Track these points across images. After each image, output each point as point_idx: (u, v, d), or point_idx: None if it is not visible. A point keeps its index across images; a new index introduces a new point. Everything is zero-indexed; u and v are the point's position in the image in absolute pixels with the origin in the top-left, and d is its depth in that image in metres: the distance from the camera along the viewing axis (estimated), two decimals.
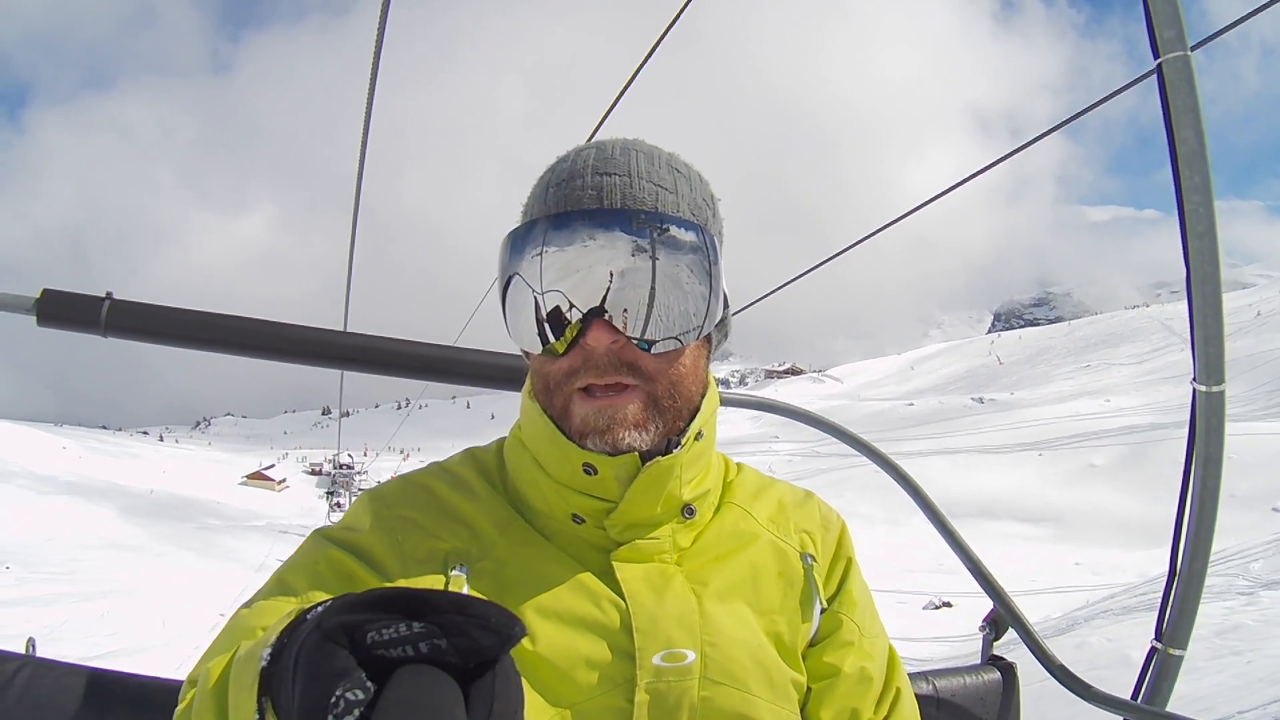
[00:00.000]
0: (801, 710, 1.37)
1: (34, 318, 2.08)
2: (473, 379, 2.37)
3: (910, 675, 1.78)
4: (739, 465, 1.58)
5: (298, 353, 2.26)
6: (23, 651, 1.77)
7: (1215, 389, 1.86)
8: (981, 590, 2.30)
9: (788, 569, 1.43)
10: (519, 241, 1.25)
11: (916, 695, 1.60)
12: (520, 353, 1.39)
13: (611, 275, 1.19)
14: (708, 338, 1.37)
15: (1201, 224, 1.77)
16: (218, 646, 1.14)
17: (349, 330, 2.46)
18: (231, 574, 47.39)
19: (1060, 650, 2.28)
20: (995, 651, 2.30)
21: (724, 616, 1.31)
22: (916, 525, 43.49)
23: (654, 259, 1.20)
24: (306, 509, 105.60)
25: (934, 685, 2.10)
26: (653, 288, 1.21)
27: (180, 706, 1.11)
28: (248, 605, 1.23)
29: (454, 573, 1.27)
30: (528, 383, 1.39)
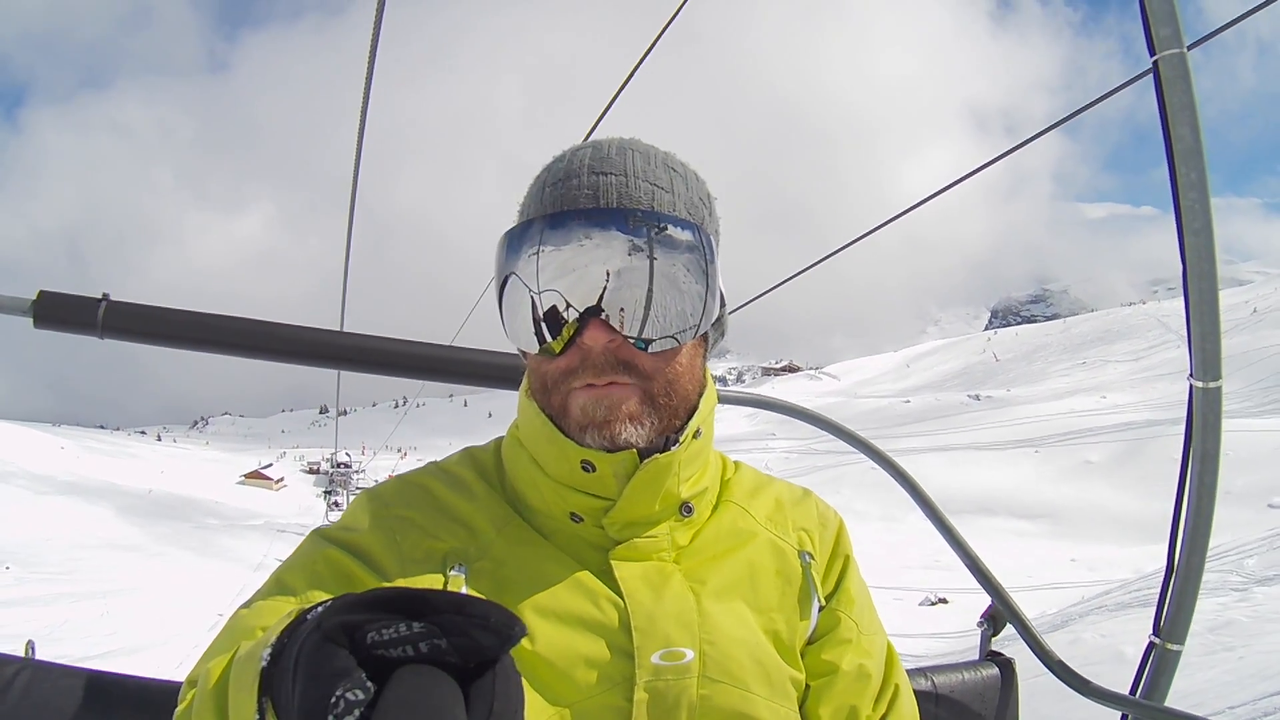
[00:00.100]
0: (800, 708, 1.37)
1: (31, 320, 2.08)
2: (469, 378, 2.37)
3: (908, 671, 1.78)
4: (736, 463, 1.58)
5: (294, 353, 2.27)
6: (22, 654, 1.76)
7: (1212, 385, 1.86)
8: (977, 586, 2.31)
9: (785, 567, 1.43)
10: (515, 241, 1.26)
11: (915, 692, 1.60)
12: (517, 352, 1.39)
13: (608, 274, 1.20)
14: (704, 336, 1.37)
15: (1198, 220, 1.77)
16: (217, 647, 1.14)
17: (345, 330, 2.46)
18: (230, 573, 47.40)
19: (1054, 646, 2.29)
20: (993, 647, 2.30)
21: (722, 615, 1.31)
22: (912, 522, 43.53)
23: (650, 258, 1.21)
24: (304, 508, 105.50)
25: (932, 681, 2.11)
26: (649, 287, 1.21)
27: (180, 707, 1.11)
28: (247, 605, 1.23)
29: (452, 572, 1.27)
30: (525, 382, 1.39)
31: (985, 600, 2.32)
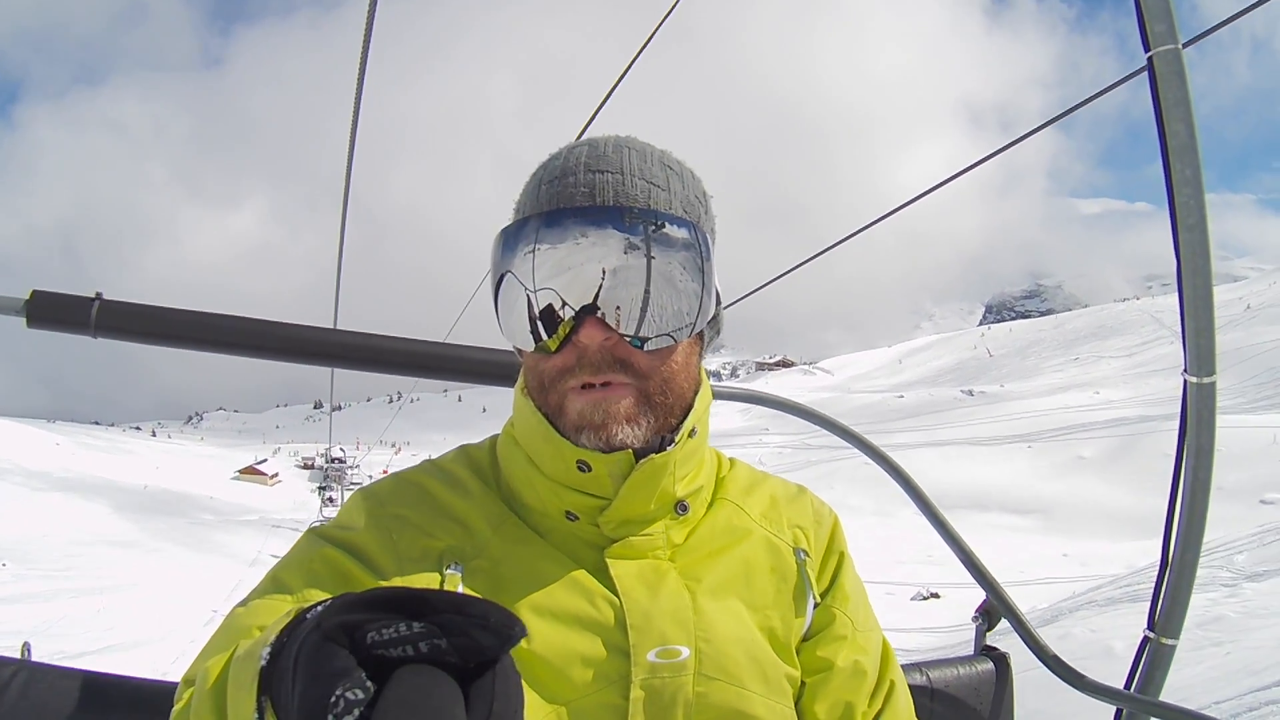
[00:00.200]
0: (796, 705, 1.38)
1: (23, 319, 2.08)
2: (463, 375, 2.37)
3: (904, 667, 1.79)
4: (731, 460, 1.58)
5: (288, 351, 2.27)
6: (18, 656, 1.76)
7: (1206, 380, 1.86)
8: (969, 581, 2.31)
9: (781, 564, 1.43)
10: (511, 239, 1.26)
11: (910, 686, 1.61)
12: (512, 349, 1.39)
13: (604, 273, 1.20)
14: (700, 335, 1.37)
15: (1192, 216, 1.78)
16: (214, 646, 1.15)
17: (339, 327, 2.46)
18: (225, 569, 47.41)
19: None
20: (988, 642, 2.31)
21: (718, 612, 1.31)
22: (906, 517, 43.66)
23: (647, 256, 1.21)
24: (299, 503, 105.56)
25: (928, 676, 2.11)
26: (646, 285, 1.21)
27: (178, 706, 1.12)
28: (243, 604, 1.23)
29: (449, 571, 1.27)
30: (520, 379, 1.39)
31: (977, 595, 2.33)
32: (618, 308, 1.20)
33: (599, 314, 1.20)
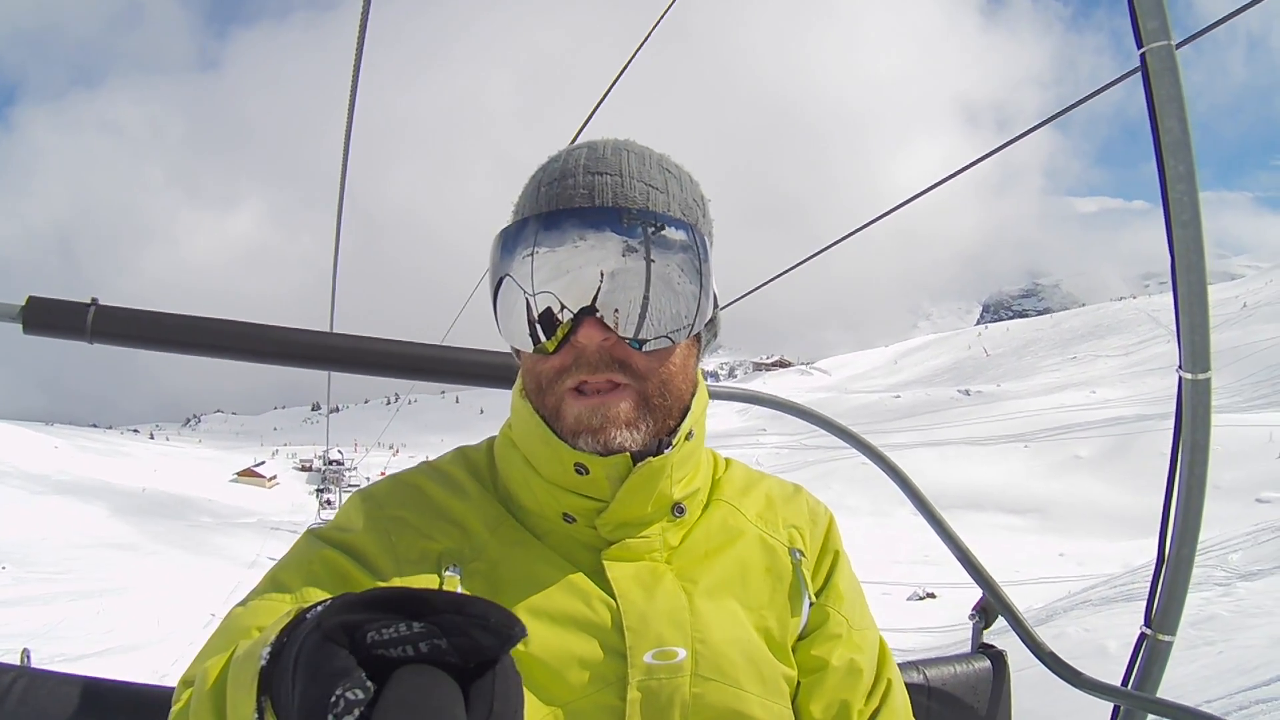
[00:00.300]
0: (792, 704, 1.38)
1: (20, 326, 2.08)
2: (461, 378, 2.37)
3: (900, 664, 1.79)
4: (727, 460, 1.58)
5: (284, 355, 2.27)
6: (18, 662, 1.77)
7: (1201, 376, 1.87)
8: (966, 581, 2.31)
9: (776, 565, 1.44)
10: (510, 241, 1.26)
11: (907, 684, 1.61)
12: (510, 351, 1.40)
13: (602, 275, 1.20)
14: (697, 337, 1.38)
15: (1186, 213, 1.78)
16: (213, 646, 1.15)
17: (335, 331, 2.46)
18: (223, 571, 47.36)
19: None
20: (985, 639, 2.31)
21: (714, 614, 1.32)
22: (902, 517, 43.73)
23: (645, 258, 1.21)
24: (297, 505, 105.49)
25: (924, 674, 2.12)
26: (644, 286, 1.21)
27: (176, 707, 1.12)
28: (242, 604, 1.23)
29: (447, 573, 1.27)
30: (518, 381, 1.39)
31: (973, 595, 2.33)
32: (616, 310, 1.21)
33: (597, 315, 1.21)
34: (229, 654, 1.03)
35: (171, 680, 1.23)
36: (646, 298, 1.22)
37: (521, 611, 1.24)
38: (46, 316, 2.09)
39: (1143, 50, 1.75)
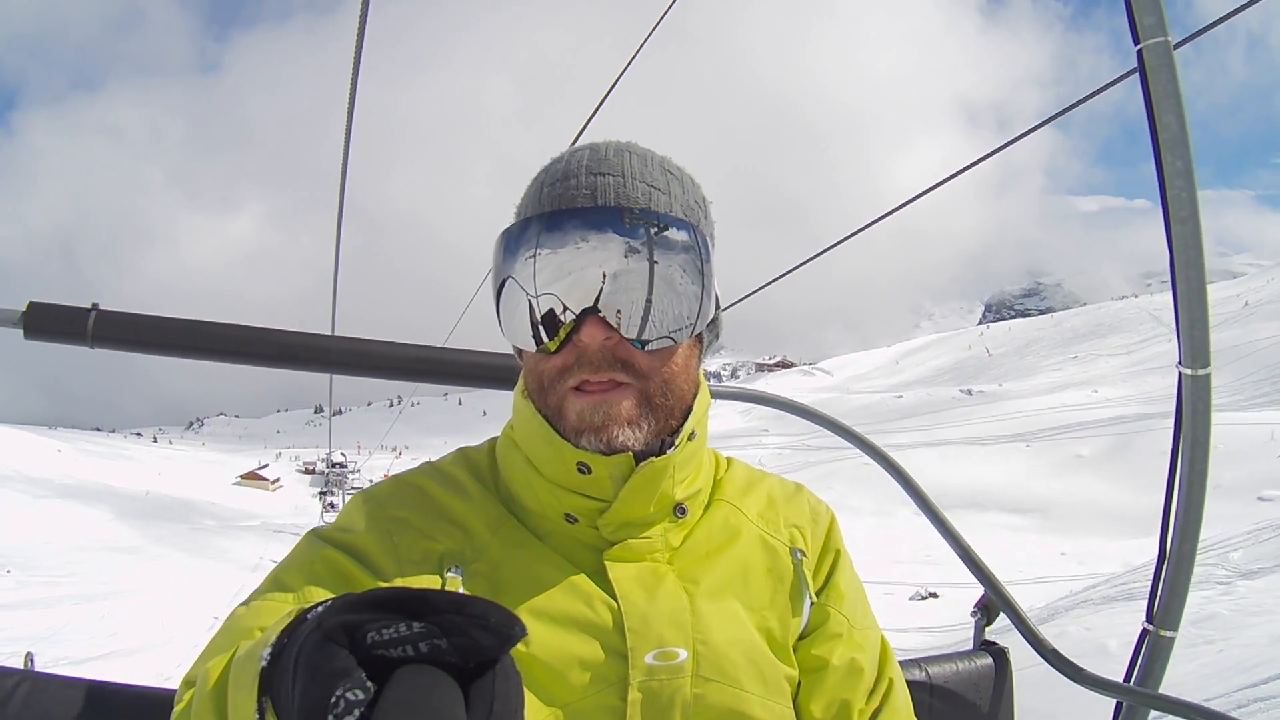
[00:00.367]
0: (793, 704, 1.38)
1: (21, 331, 2.09)
2: (462, 379, 2.38)
3: (902, 662, 1.80)
4: (729, 460, 1.59)
5: (285, 358, 2.28)
6: (21, 666, 1.77)
7: (1201, 372, 1.87)
8: (968, 581, 2.31)
9: (777, 565, 1.44)
10: (513, 242, 1.27)
11: (909, 682, 1.62)
12: (512, 351, 1.41)
13: (604, 276, 1.21)
14: (699, 338, 1.38)
15: (1184, 209, 1.78)
16: (215, 647, 1.15)
17: (336, 334, 2.46)
18: (227, 574, 47.28)
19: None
20: (987, 637, 2.31)
21: (716, 614, 1.32)
22: (905, 517, 43.58)
23: (648, 259, 1.22)
24: (300, 508, 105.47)
25: (927, 672, 2.11)
26: (647, 287, 1.22)
27: (178, 708, 1.12)
28: (245, 605, 1.24)
29: (449, 574, 1.28)
30: (520, 381, 1.40)
31: (975, 595, 2.33)
32: (618, 310, 1.21)
33: (600, 315, 1.21)
34: (230, 654, 1.03)
35: (175, 683, 1.24)
36: (649, 298, 1.22)
37: (523, 612, 1.24)
38: (47, 322, 2.10)
39: (1139, 46, 1.75)
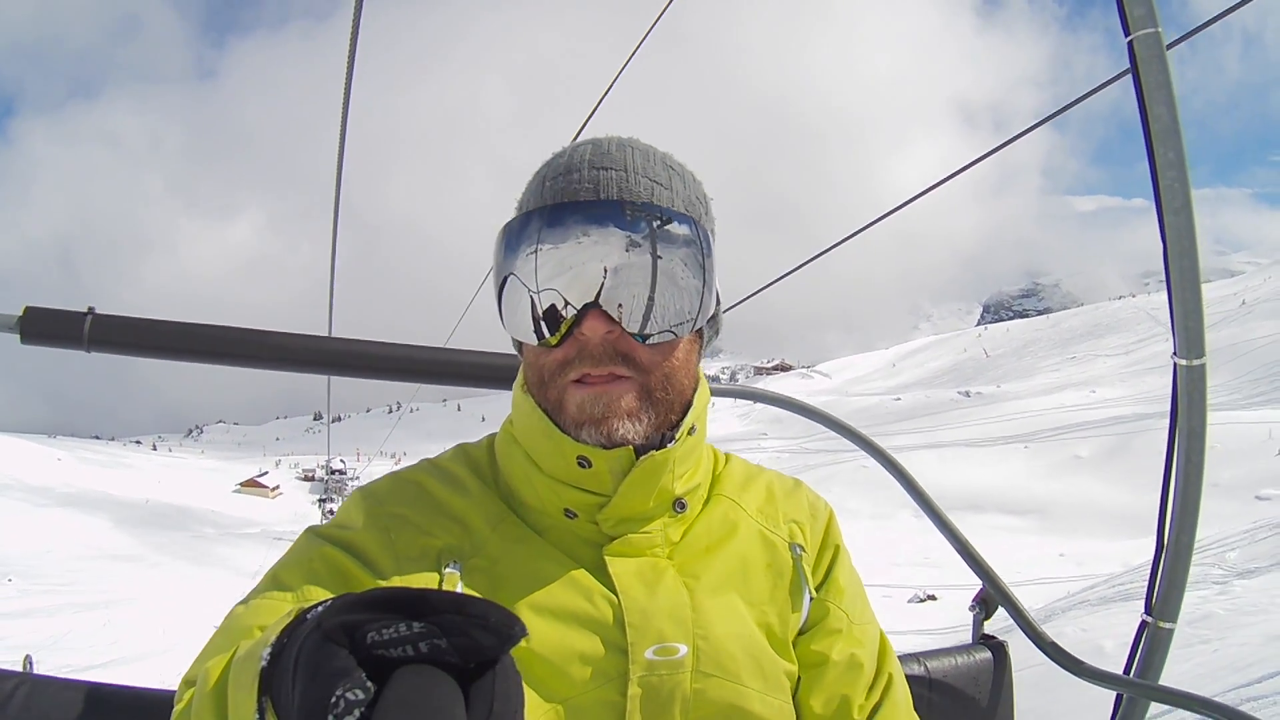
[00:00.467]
0: (793, 699, 1.38)
1: (17, 335, 2.09)
2: (461, 379, 2.37)
3: (901, 656, 1.79)
4: (727, 456, 1.59)
5: (283, 360, 2.28)
6: (20, 668, 1.77)
7: (1196, 362, 1.86)
8: (966, 584, 2.32)
9: (777, 560, 1.44)
10: (514, 238, 1.27)
11: (908, 676, 1.62)
12: (513, 344, 1.41)
13: (605, 271, 1.21)
14: (699, 333, 1.38)
15: (1177, 199, 1.78)
16: (215, 646, 1.15)
17: (334, 336, 2.46)
18: (227, 582, 47.31)
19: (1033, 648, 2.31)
20: (985, 632, 2.32)
21: (716, 609, 1.32)
22: (903, 520, 43.68)
23: (650, 253, 1.22)
24: (299, 515, 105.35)
25: (925, 666, 2.11)
26: (649, 280, 1.22)
27: (178, 708, 1.12)
28: (243, 604, 1.24)
29: (447, 570, 1.27)
30: (519, 376, 1.40)
31: (978, 587, 2.34)
32: (620, 304, 1.21)
33: (601, 308, 1.21)
34: (230, 654, 1.03)
35: (174, 687, 1.24)
36: (651, 292, 1.22)
37: (523, 607, 1.24)
38: (43, 326, 2.10)
39: (1130, 38, 1.75)
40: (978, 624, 2.32)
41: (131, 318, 2.18)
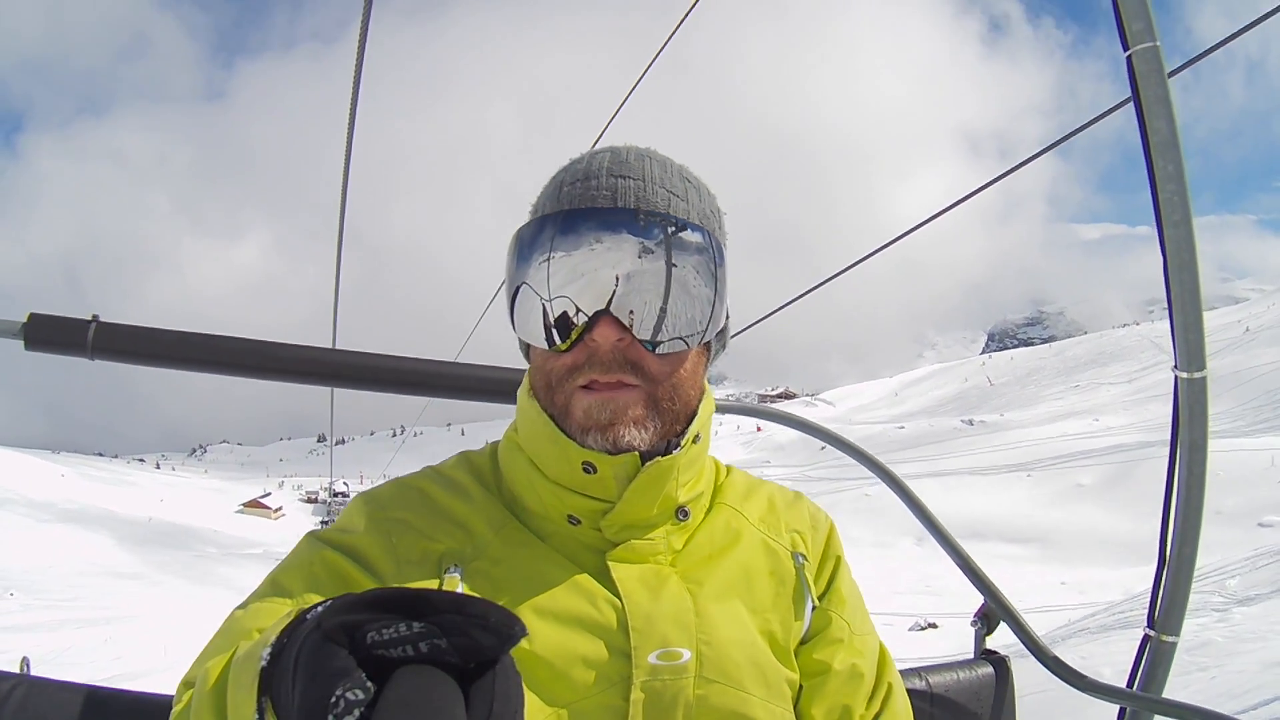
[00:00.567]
0: (794, 708, 1.38)
1: (21, 342, 2.09)
2: (465, 393, 2.37)
3: (903, 671, 1.79)
4: (728, 467, 1.59)
5: (285, 371, 2.27)
6: (17, 670, 1.77)
7: (1197, 375, 1.87)
8: (967, 612, 2.31)
9: (779, 568, 1.44)
10: (528, 244, 1.27)
11: (910, 691, 1.62)
12: (520, 349, 1.42)
13: (618, 278, 1.21)
14: (707, 345, 1.38)
15: (1177, 212, 1.79)
16: (214, 648, 1.15)
17: (338, 348, 2.45)
18: (229, 602, 46.61)
19: (1035, 669, 2.30)
20: (988, 646, 2.31)
21: (719, 616, 1.32)
22: (904, 548, 43.55)
23: (664, 261, 1.23)
24: (301, 536, 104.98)
25: (927, 681, 2.11)
26: (661, 289, 1.23)
27: (177, 708, 1.12)
28: (243, 606, 1.24)
29: (448, 574, 1.27)
30: (525, 381, 1.40)
31: (975, 612, 2.34)
32: (631, 312, 1.22)
33: (613, 315, 1.22)
34: (230, 655, 1.04)
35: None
36: (663, 300, 1.23)
37: (526, 610, 1.24)
38: (47, 333, 2.10)
39: (1129, 52, 1.76)
40: (979, 639, 2.31)
41: (135, 326, 2.18)
